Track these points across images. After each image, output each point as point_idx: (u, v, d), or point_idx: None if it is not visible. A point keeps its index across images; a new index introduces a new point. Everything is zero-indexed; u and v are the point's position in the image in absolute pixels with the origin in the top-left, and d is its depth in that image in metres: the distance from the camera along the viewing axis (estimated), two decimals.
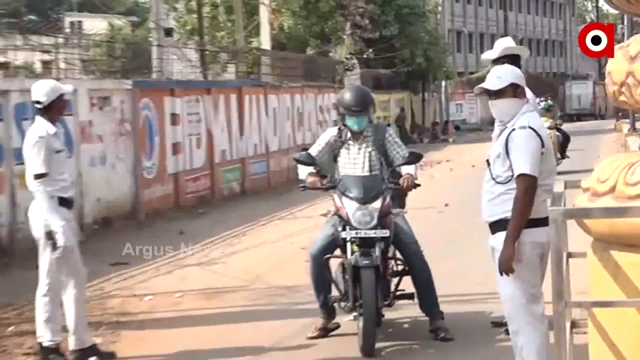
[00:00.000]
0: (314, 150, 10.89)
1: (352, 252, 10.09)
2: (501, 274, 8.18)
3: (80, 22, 56.40)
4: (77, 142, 18.99)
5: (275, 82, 33.41)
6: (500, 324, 10.60)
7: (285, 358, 10.39)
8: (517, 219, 8.14)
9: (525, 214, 8.16)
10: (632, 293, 5.97)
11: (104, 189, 20.46)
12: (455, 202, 21.51)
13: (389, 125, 11.22)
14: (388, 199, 10.31)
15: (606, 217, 6.07)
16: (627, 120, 42.92)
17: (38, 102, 10.54)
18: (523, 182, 8.13)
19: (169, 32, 37.94)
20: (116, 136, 21.48)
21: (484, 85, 8.67)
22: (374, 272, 9.88)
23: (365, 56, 46.86)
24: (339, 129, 10.77)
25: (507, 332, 9.27)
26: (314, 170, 10.78)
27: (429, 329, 10.64)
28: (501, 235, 8.31)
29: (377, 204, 10.13)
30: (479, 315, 11.31)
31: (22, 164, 17.97)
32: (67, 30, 48.03)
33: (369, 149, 10.55)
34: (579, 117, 78.66)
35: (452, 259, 13.64)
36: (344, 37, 46.52)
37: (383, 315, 10.61)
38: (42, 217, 10.26)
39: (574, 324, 6.59)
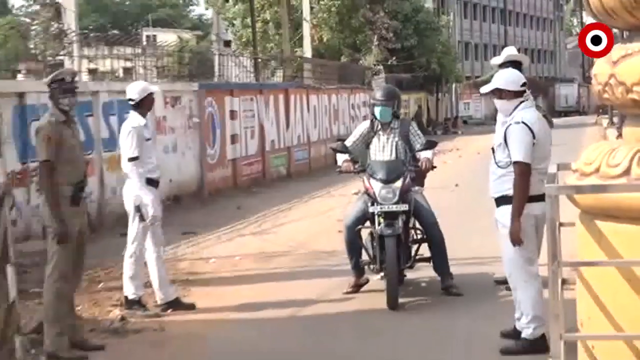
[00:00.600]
0: (349, 141, 11.03)
1: (379, 224, 10.22)
2: (513, 245, 8.31)
3: (155, 35, 56.47)
4: (154, 133, 19.14)
5: (315, 85, 33.37)
6: (502, 282, 10.62)
7: (326, 308, 10.46)
8: (518, 199, 8.31)
9: (524, 193, 8.31)
10: (612, 255, 6.00)
11: (175, 172, 20.56)
12: (463, 182, 21.48)
13: (412, 120, 11.21)
14: (408, 179, 10.41)
15: (592, 193, 6.09)
16: (606, 115, 42.76)
17: (131, 100, 10.75)
18: (518, 167, 8.33)
19: (227, 43, 38.01)
20: (185, 129, 21.63)
21: (487, 87, 8.85)
22: (396, 240, 10.04)
23: (389, 63, 46.65)
24: (371, 121, 10.84)
25: (507, 288, 9.39)
26: (348, 158, 10.85)
27: (441, 287, 10.76)
28: (503, 208, 8.50)
29: (399, 183, 10.23)
30: (484, 275, 11.36)
31: (110, 151, 18.27)
32: (144, 43, 48.11)
33: (396, 139, 10.64)
34: (566, 113, 78.18)
35: (462, 228, 13.69)
36: (372, 47, 46.33)
37: (405, 276, 10.88)
38: (134, 193, 10.47)
39: (564, 281, 6.59)
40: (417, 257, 10.98)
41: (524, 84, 8.79)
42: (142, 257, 10.72)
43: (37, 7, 33.35)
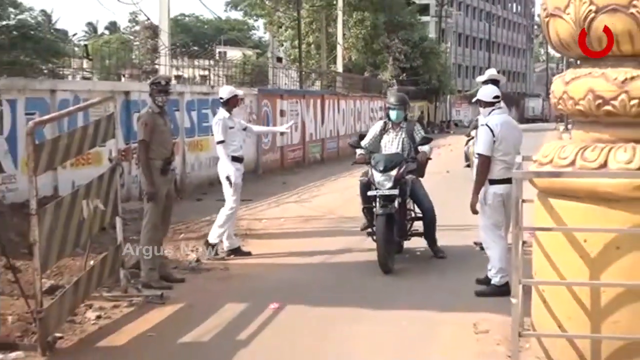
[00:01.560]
0: (366, 138, 10.58)
1: (378, 204, 9.70)
2: (473, 213, 8.59)
3: (225, 52, 56.40)
4: (241, 124, 19.31)
5: (344, 92, 33.27)
6: (479, 244, 10.65)
7: (347, 257, 10.57)
8: (476, 180, 8.53)
9: (482, 177, 8.47)
10: (560, 223, 6.09)
11: None
12: (453, 170, 21.37)
13: (418, 121, 11.05)
14: (403, 169, 9.84)
15: (547, 178, 6.19)
16: (563, 123, 42.48)
17: (221, 98, 10.97)
18: (479, 157, 8.50)
19: (279, 59, 38.06)
20: (245, 120, 21.77)
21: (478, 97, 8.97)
22: (387, 218, 9.45)
23: (400, 78, 46.44)
24: (385, 122, 10.53)
25: (481, 248, 9.49)
26: (362, 152, 10.41)
27: (432, 252, 10.47)
28: (482, 189, 8.56)
29: (394, 172, 9.71)
30: (466, 238, 11.25)
31: (190, 137, 18.44)
32: (217, 57, 48.17)
33: (403, 136, 10.31)
34: (533, 120, 77.60)
35: (450, 204, 13.72)
36: (388, 66, 46.13)
37: (402, 246, 10.44)
38: (224, 168, 10.72)
39: (524, 243, 6.68)
40: (413, 231, 10.64)
41: (496, 97, 8.81)
42: (235, 213, 10.97)
43: (138, 28, 33.62)
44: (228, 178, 10.69)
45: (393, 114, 10.34)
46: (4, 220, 9.27)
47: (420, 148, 10.24)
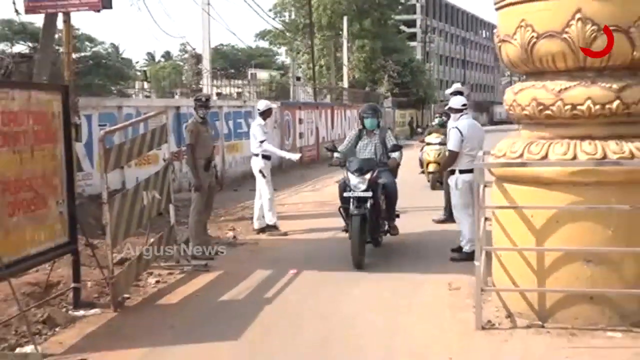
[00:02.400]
0: (343, 144, 9.63)
1: (353, 205, 8.48)
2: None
3: (255, 73, 56.39)
4: (271, 131, 19.31)
5: (349, 103, 33.25)
6: (441, 222, 10.88)
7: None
8: (443, 166, 9.33)
9: (447, 166, 8.79)
10: (512, 203, 6.11)
11: None
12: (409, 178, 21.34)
13: (389, 128, 9.84)
14: (376, 173, 8.71)
15: (502, 167, 6.21)
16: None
17: (259, 109, 10.99)
18: (449, 152, 8.60)
19: (298, 78, 37.92)
20: (272, 129, 21.64)
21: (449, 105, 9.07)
22: (361, 218, 8.29)
23: (394, 92, 46.36)
24: (360, 130, 9.45)
25: (441, 222, 10.12)
26: (339, 155, 9.39)
27: (386, 228, 9.23)
28: (453, 177, 8.55)
29: (368, 175, 8.55)
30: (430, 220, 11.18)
31: (228, 141, 18.45)
32: (249, 77, 48.28)
33: (376, 142, 9.23)
34: (500, 123, 76.86)
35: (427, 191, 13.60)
36: (384, 82, 46.04)
37: (380, 241, 9.24)
38: (258, 164, 10.69)
39: (486, 219, 6.75)
40: (387, 229, 9.28)
41: (464, 105, 8.83)
42: (273, 199, 10.95)
43: (187, 55, 33.82)
44: (261, 171, 10.75)
45: (367, 122, 9.32)
46: (83, 208, 9.36)
47: (391, 155, 9.18)
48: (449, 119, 11.38)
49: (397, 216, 9.50)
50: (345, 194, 8.62)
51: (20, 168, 5.97)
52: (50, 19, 11.76)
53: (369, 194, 8.47)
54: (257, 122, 10.90)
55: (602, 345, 5.45)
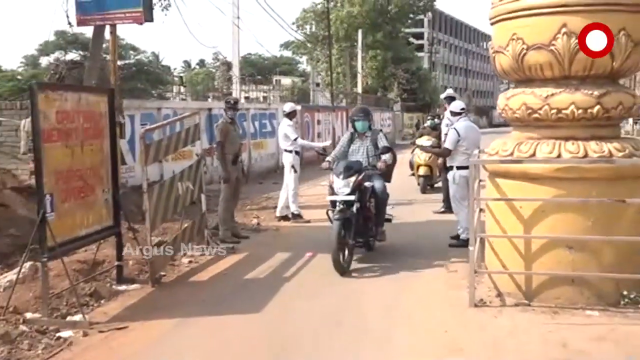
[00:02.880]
0: (336, 149, 8.52)
1: (337, 209, 7.46)
2: (444, 156, 8.91)
3: (280, 79, 56.34)
4: (298, 130, 19.31)
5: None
6: (436, 212, 10.92)
7: None
8: (437, 154, 9.54)
9: (441, 155, 8.97)
10: (503, 196, 6.12)
11: None
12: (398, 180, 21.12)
13: (381, 130, 8.59)
14: (362, 175, 7.63)
15: (495, 164, 6.22)
16: None
17: (284, 111, 10.98)
18: (444, 148, 8.60)
19: (317, 84, 37.98)
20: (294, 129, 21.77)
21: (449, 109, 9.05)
22: (342, 223, 7.18)
23: (403, 97, 46.25)
24: (352, 133, 8.40)
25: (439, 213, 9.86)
26: (329, 159, 8.27)
27: (374, 233, 8.08)
28: (452, 172, 8.56)
29: (353, 179, 7.50)
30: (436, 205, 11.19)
31: (254, 139, 18.49)
32: (274, 83, 48.32)
33: (368, 144, 8.20)
34: (499, 125, 76.19)
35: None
36: (394, 88, 45.91)
37: (371, 245, 8.17)
38: (290, 159, 10.72)
39: (481, 210, 6.78)
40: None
41: (462, 109, 8.84)
42: (297, 192, 11.03)
43: (218, 63, 33.90)
44: (293, 166, 10.74)
45: (358, 125, 8.30)
46: (126, 197, 9.46)
47: (383, 157, 8.05)
48: (441, 121, 11.33)
49: (389, 220, 8.54)
50: (328, 198, 7.75)
51: (72, 160, 6.09)
52: (99, 31, 11.91)
53: (353, 197, 7.42)
54: (286, 123, 10.85)
55: (581, 322, 5.47)
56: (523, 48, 5.88)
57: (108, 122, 6.79)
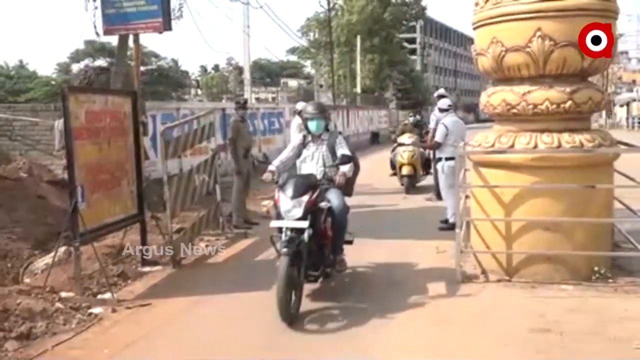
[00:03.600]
0: (282, 154, 5.95)
1: (283, 238, 5.14)
2: (435, 148, 8.77)
3: (287, 82, 56.17)
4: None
5: (362, 106, 33.20)
6: (428, 198, 10.82)
7: (370, 210, 9.73)
8: (426, 146, 9.37)
9: (431, 148, 8.86)
10: (486, 183, 6.12)
11: None
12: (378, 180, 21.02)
13: (340, 133, 6.12)
14: (317, 193, 5.35)
15: (479, 155, 6.21)
16: None
17: (296, 109, 10.60)
18: (435, 142, 8.50)
19: (321, 86, 37.91)
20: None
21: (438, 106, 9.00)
22: (289, 259, 4.92)
23: (397, 96, 46.14)
24: (304, 136, 5.94)
25: (429, 200, 9.91)
26: (273, 168, 5.71)
27: (331, 262, 5.67)
28: (440, 163, 8.56)
29: (305, 198, 5.21)
30: (426, 192, 11.19)
31: (263, 136, 18.43)
32: (282, 85, 48.20)
33: (323, 150, 5.77)
34: (485, 120, 75.96)
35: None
36: (390, 88, 45.83)
37: (329, 274, 5.68)
38: None
39: (467, 196, 6.79)
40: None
41: (449, 105, 8.83)
42: None
43: (231, 68, 33.94)
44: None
45: (312, 125, 5.80)
46: (149, 188, 9.48)
47: (341, 167, 5.63)
48: (422, 118, 11.21)
49: (350, 242, 6.08)
50: (272, 224, 5.35)
51: (100, 156, 6.14)
52: (123, 39, 11.92)
53: (305, 223, 5.14)
54: (295, 121, 10.73)
55: (556, 295, 5.49)
56: (502, 50, 5.88)
57: (132, 122, 6.83)
